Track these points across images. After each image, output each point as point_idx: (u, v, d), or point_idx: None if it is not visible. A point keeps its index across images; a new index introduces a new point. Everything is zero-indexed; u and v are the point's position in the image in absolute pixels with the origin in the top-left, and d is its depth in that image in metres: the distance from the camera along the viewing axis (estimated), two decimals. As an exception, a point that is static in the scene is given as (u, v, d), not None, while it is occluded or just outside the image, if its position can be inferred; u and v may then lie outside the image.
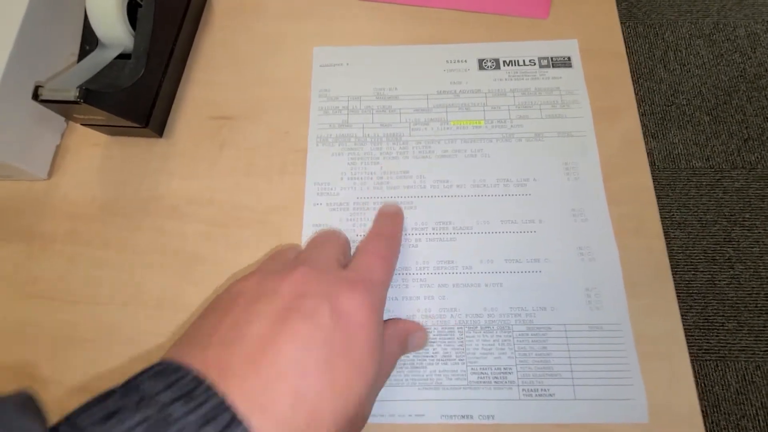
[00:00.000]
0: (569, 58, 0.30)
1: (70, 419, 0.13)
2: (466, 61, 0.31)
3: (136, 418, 0.12)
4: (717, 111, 0.99)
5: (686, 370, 0.23)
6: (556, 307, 0.25)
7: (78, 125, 0.30)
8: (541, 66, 0.30)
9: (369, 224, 0.27)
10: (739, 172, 0.96)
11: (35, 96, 0.23)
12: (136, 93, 0.27)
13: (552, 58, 0.31)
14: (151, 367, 0.14)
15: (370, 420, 0.23)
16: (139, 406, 0.13)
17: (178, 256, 0.27)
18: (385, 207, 0.27)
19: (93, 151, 0.30)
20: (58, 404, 0.24)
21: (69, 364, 0.25)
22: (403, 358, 0.25)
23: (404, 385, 0.24)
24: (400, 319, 0.25)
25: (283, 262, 0.21)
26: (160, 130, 0.29)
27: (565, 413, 0.23)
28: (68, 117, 0.26)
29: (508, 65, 0.31)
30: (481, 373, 0.24)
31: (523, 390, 0.24)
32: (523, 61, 0.31)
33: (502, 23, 0.31)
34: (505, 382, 0.24)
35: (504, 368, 0.24)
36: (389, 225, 0.26)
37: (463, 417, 0.24)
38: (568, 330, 0.25)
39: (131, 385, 0.14)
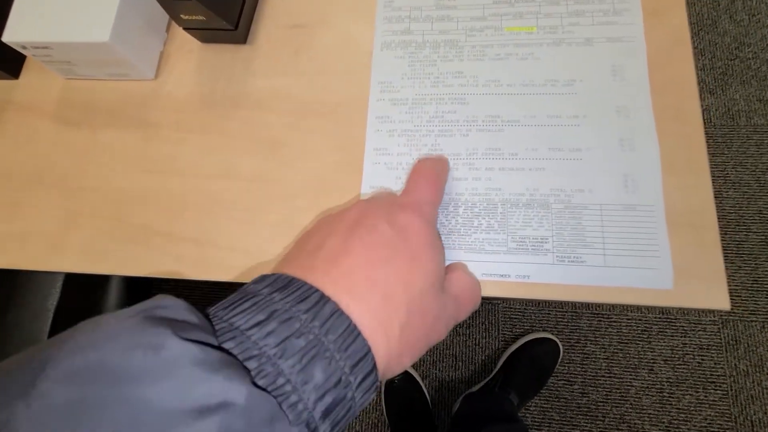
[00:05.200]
0: (623, -32, 0.32)
1: (209, 312, 0.18)
2: (521, -27, 0.33)
3: (248, 303, 0.17)
4: (788, 65, 0.93)
5: (714, 238, 0.25)
6: (593, 190, 0.28)
7: (175, 36, 0.35)
8: (594, -24, 0.32)
9: (426, 117, 0.31)
10: (807, 131, 0.90)
11: (155, -7, 0.28)
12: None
13: (606, -31, 0.32)
14: (254, 279, 0.19)
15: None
16: (249, 298, 0.17)
17: (264, 141, 0.32)
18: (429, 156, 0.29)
19: (189, 56, 0.35)
20: (174, 250, 0.30)
21: (180, 222, 0.31)
22: (451, 227, 0.28)
23: (452, 249, 0.28)
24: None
25: (350, 204, 0.26)
26: (244, 37, 0.34)
27: (594, 277, 0.27)
28: (174, 17, 0.31)
29: (562, -24, 0.32)
30: (520, 241, 0.28)
31: (557, 256, 0.27)
32: (577, -29, 0.32)
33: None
34: (541, 250, 0.27)
35: (541, 238, 0.28)
36: (435, 157, 0.29)
37: (501, 276, 0.27)
38: (604, 209, 0.28)
39: (242, 289, 0.18)
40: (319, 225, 0.23)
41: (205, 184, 0.31)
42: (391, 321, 0.18)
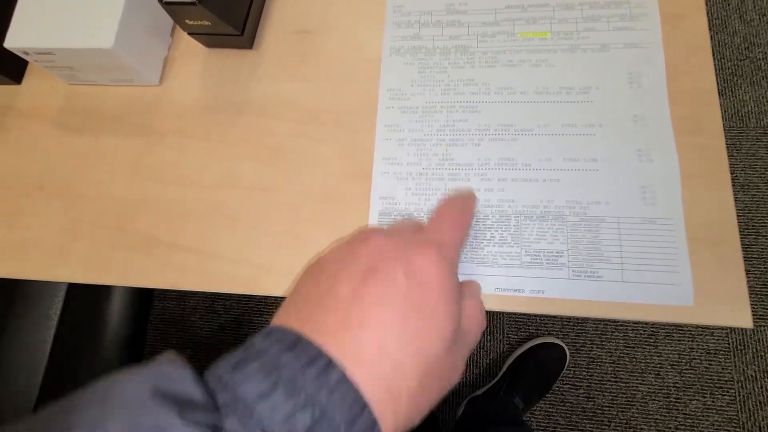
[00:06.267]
0: (640, -28, 0.31)
1: (210, 371, 0.17)
2: (534, -24, 0.32)
3: (254, 365, 0.16)
4: (799, 66, 0.92)
5: (736, 254, 0.24)
6: (610, 202, 0.27)
7: (181, 40, 0.34)
8: (610, -20, 0.31)
9: (437, 126, 0.30)
10: (818, 133, 0.89)
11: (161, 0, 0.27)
12: (233, 4, 0.30)
13: (622, -28, 0.31)
14: (263, 331, 0.18)
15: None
16: (256, 357, 0.16)
17: (268, 148, 0.31)
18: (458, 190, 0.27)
19: (194, 62, 0.34)
20: (177, 261, 0.30)
21: (182, 231, 0.30)
22: (463, 240, 0.28)
23: (463, 262, 0.27)
24: (468, 281, 0.24)
25: (366, 233, 0.22)
26: (250, 42, 0.33)
27: (612, 293, 0.26)
28: (179, 22, 0.30)
29: (577, -20, 0.31)
30: (534, 255, 0.27)
31: (572, 271, 0.26)
32: (592, -25, 0.31)
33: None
34: (556, 264, 0.27)
35: (556, 252, 0.27)
36: (463, 195, 0.25)
37: (515, 291, 0.27)
38: (621, 222, 0.27)
39: (248, 344, 0.17)
40: (331, 260, 0.21)
41: (209, 193, 0.31)
42: (401, 391, 0.17)
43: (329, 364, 0.16)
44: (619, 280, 0.26)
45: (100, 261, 0.31)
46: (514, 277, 0.27)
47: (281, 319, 0.19)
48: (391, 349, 0.17)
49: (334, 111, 0.31)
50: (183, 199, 0.31)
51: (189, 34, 0.32)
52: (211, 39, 0.33)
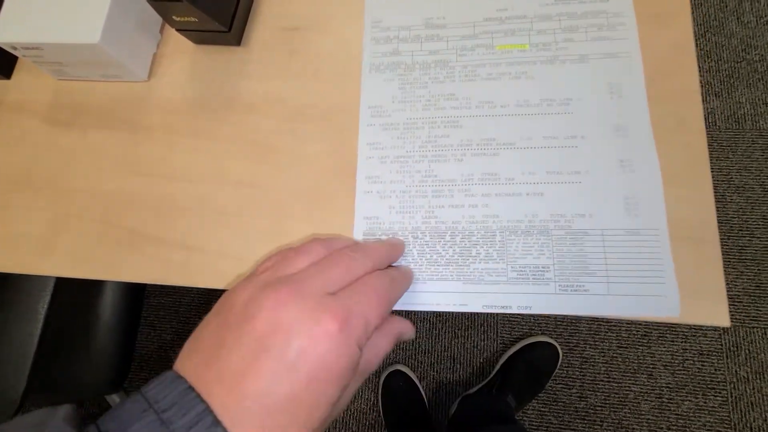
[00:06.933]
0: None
1: (96, 424, 0.17)
2: (515, -14, 0.32)
3: (140, 423, 0.16)
4: (795, 67, 0.91)
5: (716, 254, 0.25)
6: (594, 214, 0.27)
7: (170, 37, 0.35)
8: (591, -11, 0.31)
9: (419, 142, 0.30)
10: (813, 135, 0.89)
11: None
12: (221, 0, 0.31)
13: (605, -19, 0.31)
14: (158, 377, 0.18)
15: (418, 308, 0.27)
16: (144, 413, 0.16)
17: (256, 145, 0.31)
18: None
19: (183, 58, 0.34)
20: (163, 255, 0.30)
21: (170, 226, 0.30)
22: (448, 257, 0.27)
23: (450, 280, 0.27)
24: (393, 318, 0.24)
25: (282, 273, 0.21)
26: (238, 39, 0.33)
27: (598, 306, 0.26)
28: (167, 18, 0.30)
29: (560, -11, 0.31)
30: (520, 270, 0.27)
31: (559, 285, 0.26)
32: (575, -16, 0.31)
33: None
34: (543, 279, 0.27)
35: (542, 267, 0.27)
36: (403, 271, 0.26)
37: (502, 307, 0.27)
38: (605, 234, 0.27)
39: (140, 395, 0.17)
40: (228, 310, 0.20)
41: (196, 188, 0.31)
42: None
43: (214, 423, 0.17)
44: (605, 293, 0.26)
45: (87, 255, 0.31)
46: (501, 293, 0.27)
47: (180, 363, 0.19)
48: (275, 425, 0.17)
49: (320, 108, 0.31)
50: (171, 194, 0.31)
51: (177, 30, 0.32)
52: (198, 35, 0.33)
